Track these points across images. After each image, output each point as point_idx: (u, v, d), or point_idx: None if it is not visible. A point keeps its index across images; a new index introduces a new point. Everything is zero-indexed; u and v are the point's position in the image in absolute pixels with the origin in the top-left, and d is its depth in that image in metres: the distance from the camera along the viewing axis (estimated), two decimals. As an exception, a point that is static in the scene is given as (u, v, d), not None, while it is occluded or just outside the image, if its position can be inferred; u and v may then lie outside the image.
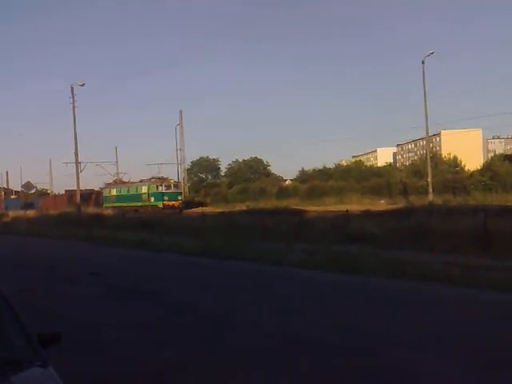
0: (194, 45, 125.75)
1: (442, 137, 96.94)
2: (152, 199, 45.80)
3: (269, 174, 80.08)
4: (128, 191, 50.34)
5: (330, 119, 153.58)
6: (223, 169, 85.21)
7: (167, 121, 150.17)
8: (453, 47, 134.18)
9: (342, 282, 9.65)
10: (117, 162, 66.05)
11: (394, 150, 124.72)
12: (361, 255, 11.72)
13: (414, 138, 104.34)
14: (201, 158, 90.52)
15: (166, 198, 45.03)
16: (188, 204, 48.71)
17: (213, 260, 13.34)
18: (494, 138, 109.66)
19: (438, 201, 34.85)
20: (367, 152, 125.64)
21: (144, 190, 47.44)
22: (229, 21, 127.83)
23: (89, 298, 8.76)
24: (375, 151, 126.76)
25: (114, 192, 53.11)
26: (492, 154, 74.29)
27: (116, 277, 11.41)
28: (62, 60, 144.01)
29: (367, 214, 25.81)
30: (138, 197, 47.61)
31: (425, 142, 44.32)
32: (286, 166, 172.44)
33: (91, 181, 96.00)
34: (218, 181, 71.66)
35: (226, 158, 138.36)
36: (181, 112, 59.17)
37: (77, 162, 39.48)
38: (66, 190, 65.52)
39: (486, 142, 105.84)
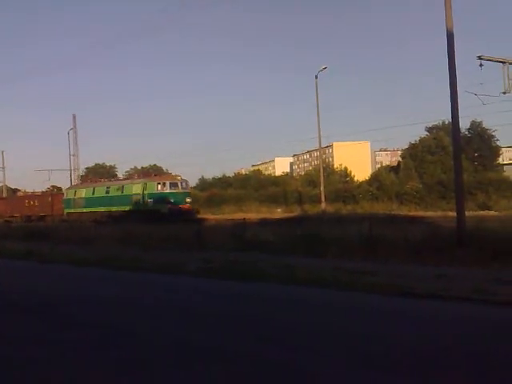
0: (90, 48, 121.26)
1: (334, 148, 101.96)
2: (150, 202, 34.40)
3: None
4: (107, 192, 38.05)
5: (230, 128, 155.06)
6: (120, 176, 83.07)
7: (60, 126, 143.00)
8: (343, 63, 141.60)
9: (236, 289, 9.82)
10: (3, 168, 61.80)
11: (291, 160, 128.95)
12: (256, 262, 12.01)
13: (309, 149, 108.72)
14: (96, 164, 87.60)
15: (172, 200, 33.76)
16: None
17: (107, 270, 12.94)
18: (381, 151, 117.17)
19: (330, 209, 36.66)
20: (266, 161, 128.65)
21: (136, 189, 35.48)
22: (127, 23, 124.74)
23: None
24: (273, 161, 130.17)
25: (82, 194, 40.39)
26: (379, 166, 79.45)
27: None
28: None
29: (264, 222, 26.49)
30: (124, 199, 35.91)
31: (318, 153, 46.38)
32: (185, 174, 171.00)
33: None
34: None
35: (124, 165, 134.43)
36: (74, 116, 56.78)
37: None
38: None
39: (373, 154, 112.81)
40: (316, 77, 37.98)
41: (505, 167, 57.66)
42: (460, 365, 4.97)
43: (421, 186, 39.89)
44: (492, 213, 27.23)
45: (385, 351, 5.43)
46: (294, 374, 4.85)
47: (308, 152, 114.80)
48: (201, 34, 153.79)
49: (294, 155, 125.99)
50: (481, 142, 59.36)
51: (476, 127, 60.40)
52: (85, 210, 38.82)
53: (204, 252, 14.56)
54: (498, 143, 62.23)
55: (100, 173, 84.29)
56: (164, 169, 79.31)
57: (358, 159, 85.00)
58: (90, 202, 38.92)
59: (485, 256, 10.51)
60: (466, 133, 59.32)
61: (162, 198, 33.68)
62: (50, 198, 46.89)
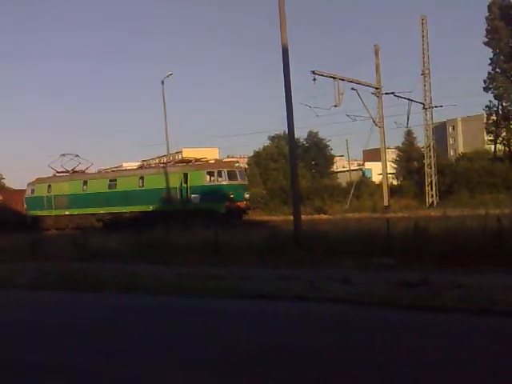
0: None
1: (183, 154, 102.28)
2: (195, 198, 25.31)
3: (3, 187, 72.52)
4: (111, 186, 28.37)
5: (75, 132, 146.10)
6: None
7: None
8: (190, 68, 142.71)
9: (74, 300, 9.32)
10: None
11: (139, 165, 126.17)
12: (98, 272, 11.51)
13: (158, 155, 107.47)
14: None
15: (232, 195, 25.05)
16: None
17: None
18: (228, 157, 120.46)
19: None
20: (113, 167, 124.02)
21: (173, 180, 25.92)
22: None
23: None
24: (121, 166, 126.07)
25: (65, 189, 29.80)
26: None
27: None
28: None
29: (111, 229, 25.51)
30: (146, 196, 26.57)
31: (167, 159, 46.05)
32: (23, 179, 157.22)
33: None
34: None
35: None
36: None
37: None
38: None
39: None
40: (162, 82, 37.96)
41: (338, 174, 63.22)
42: (294, 359, 5.25)
43: (265, 191, 41.80)
44: (326, 216, 29.53)
45: (227, 355, 5.50)
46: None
47: (157, 157, 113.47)
48: (36, 29, 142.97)
49: (143, 161, 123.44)
50: (317, 151, 64.27)
51: (313, 137, 65.25)
52: (68, 213, 28.95)
53: (42, 262, 13.55)
54: (331, 152, 67.95)
55: None
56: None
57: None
58: (79, 200, 28.75)
59: (319, 256, 11.36)
60: (304, 142, 63.82)
61: (215, 193, 24.74)
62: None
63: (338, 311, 7.53)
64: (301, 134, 63.37)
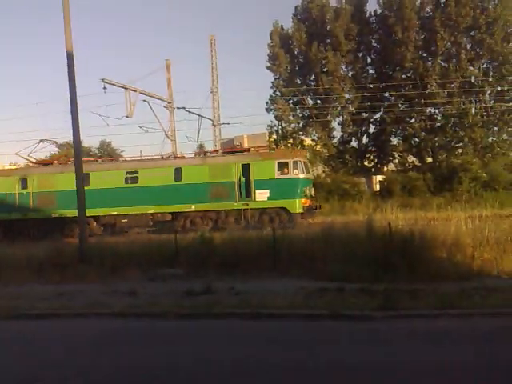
0: None
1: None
2: (262, 195, 21.00)
3: None
4: (128, 180, 22.36)
5: None
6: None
7: None
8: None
9: None
10: None
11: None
12: None
13: None
14: None
15: (307, 191, 21.50)
16: None
17: None
18: (10, 165, 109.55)
19: None
20: None
21: (226, 173, 21.56)
22: None
23: None
24: None
25: (54, 183, 22.69)
26: None
27: None
28: None
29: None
30: (190, 191, 21.40)
31: None
32: None
33: None
34: None
35: None
36: None
37: None
38: None
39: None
40: None
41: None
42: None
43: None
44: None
45: None
46: None
47: None
48: None
49: None
50: (110, 161, 62.59)
51: (106, 147, 63.30)
52: (55, 214, 22.08)
53: None
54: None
55: None
56: None
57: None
58: (101, 195, 21.92)
59: (104, 271, 11.06)
60: (97, 152, 61.51)
61: (289, 189, 20.95)
62: None
63: (117, 326, 7.42)
64: (93, 142, 60.93)
